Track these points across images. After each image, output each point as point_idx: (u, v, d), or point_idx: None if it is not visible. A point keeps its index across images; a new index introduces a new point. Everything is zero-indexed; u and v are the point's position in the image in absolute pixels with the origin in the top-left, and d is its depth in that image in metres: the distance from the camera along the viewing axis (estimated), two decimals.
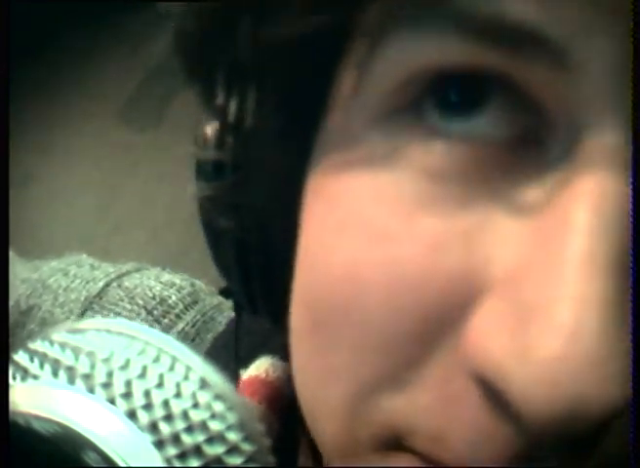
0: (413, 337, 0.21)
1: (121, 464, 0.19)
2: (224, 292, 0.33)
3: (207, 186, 0.27)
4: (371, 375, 0.22)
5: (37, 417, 0.19)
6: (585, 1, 0.18)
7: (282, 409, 0.34)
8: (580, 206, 0.18)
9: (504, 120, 0.20)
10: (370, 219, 0.21)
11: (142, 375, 0.20)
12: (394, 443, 0.22)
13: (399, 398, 0.21)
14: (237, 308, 0.32)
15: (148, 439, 0.19)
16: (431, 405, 0.21)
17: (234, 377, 0.34)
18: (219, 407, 0.21)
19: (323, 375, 0.23)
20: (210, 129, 0.26)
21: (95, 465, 0.19)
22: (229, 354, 0.37)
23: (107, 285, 0.45)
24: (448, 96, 0.20)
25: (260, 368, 0.34)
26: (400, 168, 0.21)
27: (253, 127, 0.25)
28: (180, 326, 0.43)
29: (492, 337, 0.19)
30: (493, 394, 0.19)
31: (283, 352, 0.35)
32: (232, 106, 0.25)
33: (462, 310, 0.20)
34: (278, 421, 0.33)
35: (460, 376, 0.20)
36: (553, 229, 0.19)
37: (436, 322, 0.20)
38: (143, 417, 0.20)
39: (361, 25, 0.21)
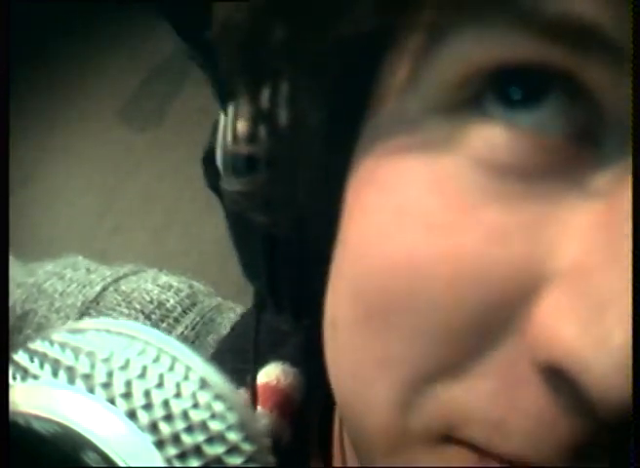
0: (473, 328, 0.21)
1: (121, 464, 0.19)
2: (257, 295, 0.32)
3: (237, 181, 0.26)
4: (427, 365, 0.21)
5: (37, 417, 0.19)
6: None
7: (294, 416, 0.33)
8: None
9: (563, 114, 0.20)
10: (429, 209, 0.21)
11: (142, 375, 0.20)
12: (446, 435, 0.22)
13: (456, 387, 0.21)
14: (258, 307, 0.32)
15: (148, 439, 0.19)
16: (491, 392, 0.21)
17: (252, 382, 0.33)
18: (219, 407, 0.21)
19: (375, 366, 0.22)
20: (242, 124, 0.26)
21: (95, 465, 0.19)
22: (235, 358, 0.36)
23: (104, 289, 0.45)
24: (509, 91, 0.20)
25: (271, 374, 0.34)
26: (460, 157, 0.21)
27: (291, 122, 0.24)
28: (179, 329, 0.43)
29: (564, 325, 0.19)
30: (560, 382, 0.20)
31: (294, 357, 0.35)
32: (268, 101, 0.24)
33: (525, 301, 0.20)
34: (290, 428, 0.33)
35: (522, 365, 0.20)
36: (617, 220, 0.19)
37: (498, 312, 0.20)
38: (143, 417, 0.20)
39: (417, 21, 0.21)
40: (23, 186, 1.70)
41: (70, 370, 0.20)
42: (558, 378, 0.19)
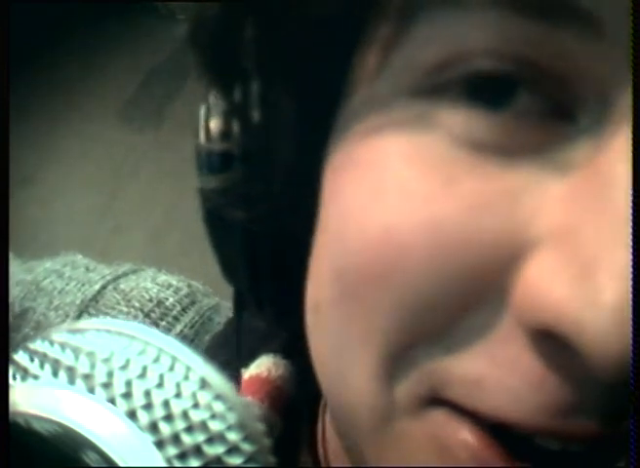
0: (454, 296, 0.20)
1: (121, 464, 0.19)
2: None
3: (213, 178, 0.26)
4: (409, 334, 0.21)
5: (37, 417, 0.19)
6: None
7: (284, 407, 0.33)
8: (618, 162, 0.19)
9: (537, 101, 0.20)
10: (407, 181, 0.21)
11: (143, 375, 0.20)
12: (430, 398, 0.22)
13: (437, 350, 0.21)
14: (238, 307, 0.32)
15: (149, 439, 0.19)
16: (471, 351, 0.21)
17: (236, 376, 0.34)
18: (219, 407, 0.21)
19: (357, 343, 0.22)
20: (214, 122, 0.26)
21: (95, 465, 0.19)
22: (227, 353, 0.37)
23: (103, 287, 0.45)
24: (479, 90, 0.21)
25: (262, 366, 0.34)
26: (436, 134, 0.21)
27: (264, 117, 0.24)
28: (179, 328, 0.43)
29: (552, 286, 0.19)
30: (550, 344, 0.19)
31: (285, 350, 0.35)
32: (240, 97, 0.25)
33: (509, 267, 0.20)
34: (280, 420, 0.33)
35: (507, 327, 0.20)
36: (596, 186, 0.19)
37: (480, 281, 0.20)
38: (144, 417, 0.20)
39: (385, 8, 0.21)
40: (24, 187, 1.70)
41: (70, 370, 0.20)
42: (548, 340, 0.19)
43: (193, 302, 0.45)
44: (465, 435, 0.21)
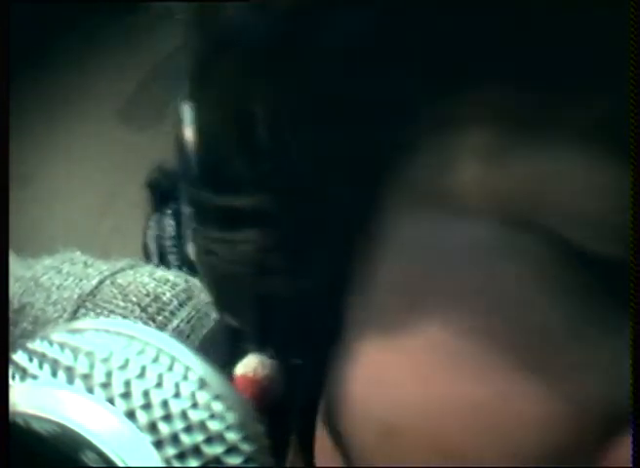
0: None
1: (120, 464, 0.19)
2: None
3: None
4: None
5: (36, 417, 0.19)
6: None
7: (271, 407, 0.34)
8: None
9: None
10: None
11: (141, 375, 0.20)
12: None
13: None
14: (235, 342, 0.33)
15: (147, 439, 0.19)
16: None
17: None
18: (218, 407, 0.21)
19: None
20: None
21: (93, 465, 0.19)
22: (218, 349, 0.37)
23: (101, 282, 0.45)
24: None
25: (249, 366, 0.34)
26: None
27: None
28: (175, 322, 0.43)
29: None
30: None
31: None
32: None
33: None
34: (267, 421, 0.33)
35: None
36: None
37: None
38: (142, 417, 0.20)
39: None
40: (23, 186, 1.70)
41: (69, 369, 0.20)
42: None
43: (190, 297, 0.45)
44: None
